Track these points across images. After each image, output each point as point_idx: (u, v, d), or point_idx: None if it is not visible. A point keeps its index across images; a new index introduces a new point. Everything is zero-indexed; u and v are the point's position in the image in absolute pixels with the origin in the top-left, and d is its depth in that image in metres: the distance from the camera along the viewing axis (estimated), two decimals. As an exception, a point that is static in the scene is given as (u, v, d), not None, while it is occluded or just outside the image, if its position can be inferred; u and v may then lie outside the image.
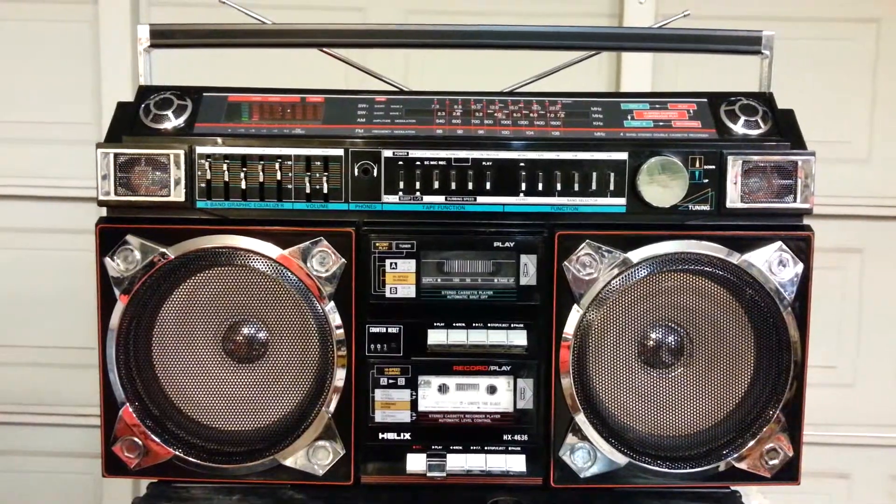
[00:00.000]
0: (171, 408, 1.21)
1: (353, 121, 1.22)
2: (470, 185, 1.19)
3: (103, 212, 1.21)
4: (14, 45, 2.19)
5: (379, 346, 1.20)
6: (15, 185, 2.22)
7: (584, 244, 1.18)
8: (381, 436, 1.21)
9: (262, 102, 1.24)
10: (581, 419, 1.20)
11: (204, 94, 1.25)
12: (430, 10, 2.17)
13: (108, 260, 1.18)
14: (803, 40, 2.16)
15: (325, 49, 1.36)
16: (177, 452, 1.20)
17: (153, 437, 1.20)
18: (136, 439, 1.20)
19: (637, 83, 2.16)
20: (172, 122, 1.21)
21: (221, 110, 1.23)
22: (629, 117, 1.23)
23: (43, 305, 2.23)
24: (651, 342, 1.20)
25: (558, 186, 1.19)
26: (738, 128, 1.22)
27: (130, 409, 1.20)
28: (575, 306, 1.19)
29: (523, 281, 1.20)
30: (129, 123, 1.21)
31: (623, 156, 1.19)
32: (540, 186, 1.19)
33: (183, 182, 1.18)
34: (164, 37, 1.29)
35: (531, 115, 1.23)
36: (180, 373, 1.20)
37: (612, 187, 1.19)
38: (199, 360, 1.20)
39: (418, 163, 1.19)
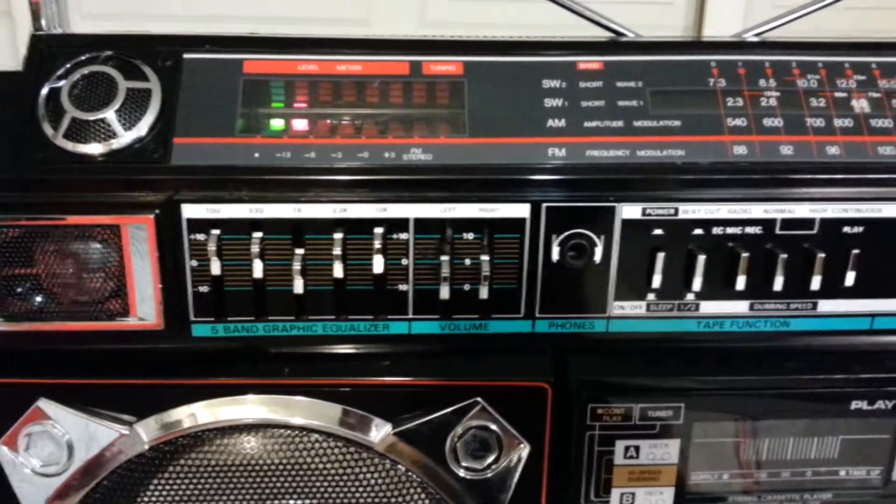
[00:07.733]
0: None
1: (540, 126, 0.54)
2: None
3: None
4: None
5: None
6: None
7: None
8: None
9: (328, 78, 0.54)
10: None
11: (184, 55, 0.54)
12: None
13: (3, 451, 0.54)
14: None
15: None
16: None
17: None
18: None
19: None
20: (121, 136, 0.52)
21: (230, 99, 0.53)
22: None
23: None
24: None
25: None
26: None
27: None
28: None
29: (901, 473, 0.58)
30: (21, 137, 0.52)
31: None
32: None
33: (156, 285, 0.51)
34: None
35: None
36: None
37: None
38: None
39: (698, 231, 0.53)
